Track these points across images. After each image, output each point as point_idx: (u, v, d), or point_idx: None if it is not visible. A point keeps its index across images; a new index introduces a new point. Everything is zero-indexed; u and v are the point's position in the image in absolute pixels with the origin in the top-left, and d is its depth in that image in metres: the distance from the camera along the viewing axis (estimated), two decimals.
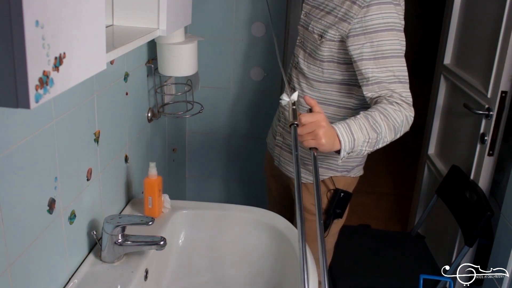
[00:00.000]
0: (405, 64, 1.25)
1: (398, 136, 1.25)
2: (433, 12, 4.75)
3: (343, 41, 1.28)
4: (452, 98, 2.28)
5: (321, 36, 1.31)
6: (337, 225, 1.54)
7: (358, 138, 1.17)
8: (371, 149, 1.22)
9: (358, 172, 1.52)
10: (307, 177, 1.48)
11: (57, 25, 0.58)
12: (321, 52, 1.33)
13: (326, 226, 1.51)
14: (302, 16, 1.44)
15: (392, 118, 1.20)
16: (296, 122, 1.10)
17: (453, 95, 2.27)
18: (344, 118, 1.39)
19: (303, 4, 1.44)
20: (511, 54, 1.71)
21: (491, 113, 1.80)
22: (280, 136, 1.54)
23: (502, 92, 1.75)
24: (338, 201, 1.48)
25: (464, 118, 2.07)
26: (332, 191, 1.48)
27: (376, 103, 1.25)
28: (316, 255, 1.22)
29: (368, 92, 1.26)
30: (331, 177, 1.47)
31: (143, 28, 1.18)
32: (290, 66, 1.52)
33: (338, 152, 1.17)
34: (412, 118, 1.26)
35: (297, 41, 1.47)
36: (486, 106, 1.83)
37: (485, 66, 1.88)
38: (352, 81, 1.35)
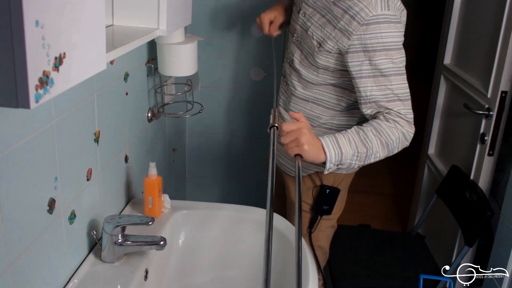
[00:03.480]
0: (405, 81, 1.24)
1: (394, 152, 1.25)
2: (433, 12, 4.75)
3: (341, 54, 1.27)
4: (452, 98, 2.28)
5: (320, 45, 1.30)
6: (327, 221, 1.54)
7: (347, 151, 1.18)
8: (362, 163, 1.23)
9: (351, 169, 1.51)
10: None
11: (57, 25, 0.58)
12: (317, 59, 1.32)
13: (313, 222, 1.52)
14: (300, 16, 1.39)
15: (386, 135, 1.20)
16: (276, 125, 1.12)
17: (453, 95, 2.27)
18: (330, 118, 1.41)
19: (302, 4, 1.39)
20: (511, 54, 1.71)
21: (491, 113, 1.80)
22: None
23: (502, 92, 1.75)
24: (324, 198, 1.48)
25: (464, 118, 2.07)
26: (318, 187, 1.48)
27: (374, 118, 1.25)
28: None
29: (367, 109, 1.26)
30: (317, 172, 1.46)
31: (143, 28, 1.18)
32: (284, 61, 1.50)
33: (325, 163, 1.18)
34: (411, 135, 1.25)
35: (294, 38, 1.43)
36: (486, 106, 1.83)
37: (485, 66, 1.88)
38: (345, 84, 1.35)
